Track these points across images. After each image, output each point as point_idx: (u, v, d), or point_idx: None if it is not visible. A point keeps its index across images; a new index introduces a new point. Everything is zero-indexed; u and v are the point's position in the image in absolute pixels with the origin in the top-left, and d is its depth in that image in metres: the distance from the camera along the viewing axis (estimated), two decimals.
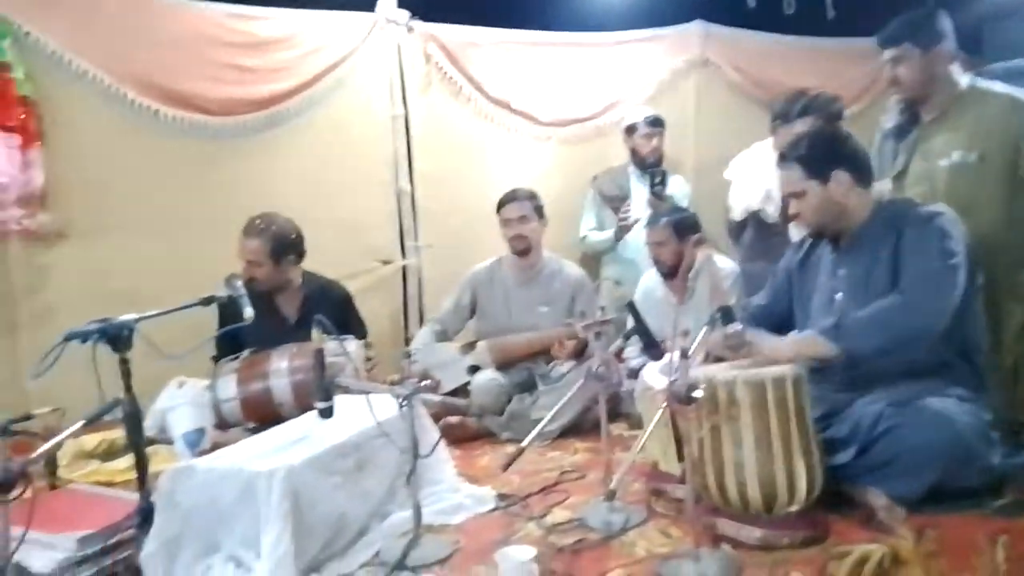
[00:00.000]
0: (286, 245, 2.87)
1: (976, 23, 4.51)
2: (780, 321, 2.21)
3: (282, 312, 2.96)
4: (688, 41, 4.28)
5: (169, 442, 2.67)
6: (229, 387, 2.60)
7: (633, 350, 2.99)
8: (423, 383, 1.95)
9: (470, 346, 3.16)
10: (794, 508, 1.73)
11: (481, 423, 2.94)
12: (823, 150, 2.07)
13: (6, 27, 3.03)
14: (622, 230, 3.65)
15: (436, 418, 2.71)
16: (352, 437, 2.02)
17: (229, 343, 2.78)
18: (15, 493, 1.33)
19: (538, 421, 2.20)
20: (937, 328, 1.88)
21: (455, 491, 2.21)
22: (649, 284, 3.16)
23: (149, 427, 2.75)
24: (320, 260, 3.17)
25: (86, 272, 3.22)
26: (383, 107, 3.80)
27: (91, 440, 2.69)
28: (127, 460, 2.58)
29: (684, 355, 1.62)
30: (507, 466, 1.99)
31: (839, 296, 2.05)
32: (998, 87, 2.33)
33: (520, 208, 3.17)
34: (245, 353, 2.76)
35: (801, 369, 1.80)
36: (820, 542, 1.73)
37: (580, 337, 2.82)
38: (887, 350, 1.89)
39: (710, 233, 3.84)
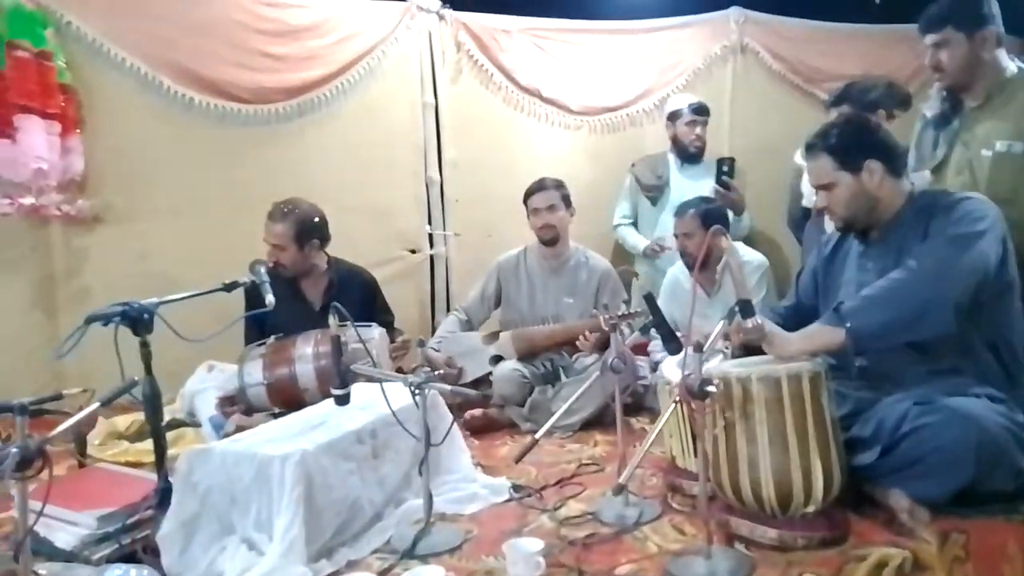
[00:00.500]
0: (310, 228, 2.90)
1: None
2: (808, 321, 2.13)
3: (307, 297, 2.99)
4: (725, 28, 4.18)
5: (197, 425, 2.73)
6: (255, 372, 2.64)
7: (658, 343, 2.95)
8: (440, 372, 1.94)
9: (493, 336, 3.15)
10: (810, 509, 1.68)
11: (503, 414, 2.94)
12: (855, 139, 1.99)
13: (48, 16, 3.12)
14: (653, 252, 3.58)
15: (460, 408, 2.73)
16: (369, 424, 2.03)
17: (257, 328, 2.83)
18: (33, 470, 1.37)
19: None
20: (950, 298, 1.75)
21: (471, 481, 2.20)
22: (676, 276, 3.11)
23: (178, 410, 2.83)
24: (349, 247, 3.21)
25: (123, 256, 3.31)
26: (414, 95, 3.81)
27: (123, 421, 2.75)
28: None
29: (699, 349, 1.58)
30: (520, 457, 1.98)
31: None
32: None
33: (548, 198, 3.15)
34: (271, 339, 2.79)
35: (820, 366, 1.74)
36: (839, 543, 1.68)
37: (604, 329, 2.79)
38: (894, 325, 1.78)
39: (759, 221, 3.75)
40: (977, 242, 1.79)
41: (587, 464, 2.40)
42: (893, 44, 4.14)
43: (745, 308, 1.80)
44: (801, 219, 3.12)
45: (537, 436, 1.96)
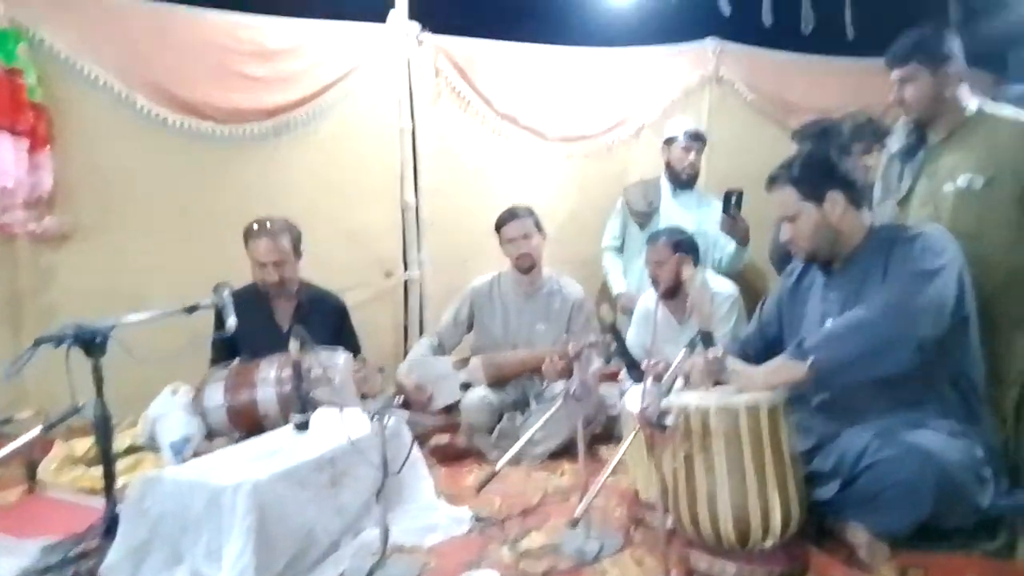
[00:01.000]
0: (299, 240, 2.95)
1: (1002, 43, 4.40)
2: (771, 351, 2.12)
3: (276, 319, 2.96)
4: (702, 58, 4.22)
5: (158, 449, 2.67)
6: (216, 395, 2.60)
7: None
8: (398, 398, 1.91)
9: (464, 362, 3.11)
10: (769, 543, 1.65)
11: (471, 442, 2.90)
12: (818, 171, 2.01)
13: (20, 32, 3.09)
14: (622, 306, 3.59)
15: (427, 436, 2.69)
16: (327, 452, 1.99)
17: (228, 349, 2.79)
18: None
19: (527, 441, 2.15)
20: (912, 335, 1.75)
21: (432, 510, 2.17)
22: (648, 304, 3.10)
23: (139, 434, 2.77)
24: (323, 270, 3.17)
25: (92, 274, 3.24)
26: (391, 119, 3.79)
27: (81, 445, 2.69)
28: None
29: (657, 379, 1.57)
30: (481, 487, 1.95)
31: (829, 321, 1.97)
32: (1008, 111, 2.25)
33: (522, 226, 3.14)
34: (235, 361, 2.75)
35: (779, 398, 1.73)
36: None
37: (571, 356, 2.77)
38: (857, 362, 1.78)
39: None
40: (936, 278, 1.80)
41: (552, 494, 2.36)
42: (869, 77, 4.15)
43: (706, 339, 1.79)
44: (786, 255, 3.12)
45: (497, 467, 1.93)
